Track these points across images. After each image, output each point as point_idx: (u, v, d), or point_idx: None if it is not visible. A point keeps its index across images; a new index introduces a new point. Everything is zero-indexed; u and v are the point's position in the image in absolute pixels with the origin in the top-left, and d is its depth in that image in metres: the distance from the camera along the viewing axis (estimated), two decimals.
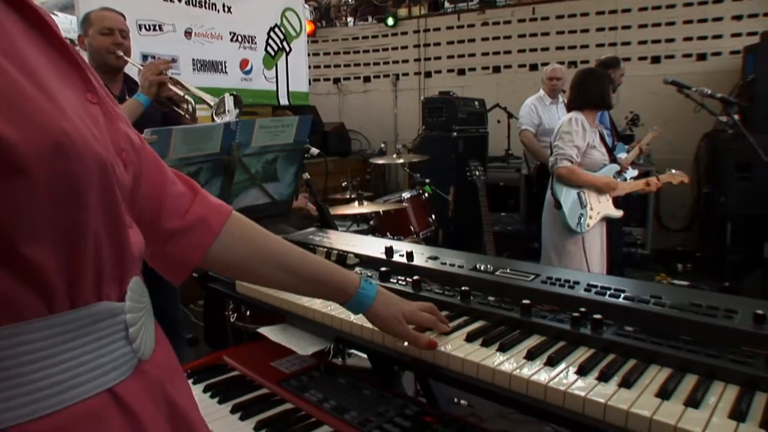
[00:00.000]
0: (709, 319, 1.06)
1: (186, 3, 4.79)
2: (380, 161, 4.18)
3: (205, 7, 4.98)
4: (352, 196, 3.74)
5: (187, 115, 2.31)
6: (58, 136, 0.55)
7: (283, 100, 5.82)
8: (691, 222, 6.08)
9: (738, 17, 5.71)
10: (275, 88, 5.79)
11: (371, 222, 3.98)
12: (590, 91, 3.27)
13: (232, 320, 2.29)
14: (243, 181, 1.88)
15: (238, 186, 1.87)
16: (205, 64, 5.02)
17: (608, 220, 3.37)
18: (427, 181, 4.14)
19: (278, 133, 1.85)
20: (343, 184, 4.11)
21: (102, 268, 0.63)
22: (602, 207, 3.31)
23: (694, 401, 0.87)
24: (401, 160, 4.07)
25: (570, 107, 3.37)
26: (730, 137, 4.38)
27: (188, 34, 4.83)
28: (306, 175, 2.16)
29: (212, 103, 2.20)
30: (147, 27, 4.44)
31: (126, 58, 2.44)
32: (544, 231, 3.51)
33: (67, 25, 4.12)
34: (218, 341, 3.30)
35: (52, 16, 0.67)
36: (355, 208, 3.52)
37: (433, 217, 4.01)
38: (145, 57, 4.32)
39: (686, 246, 6.11)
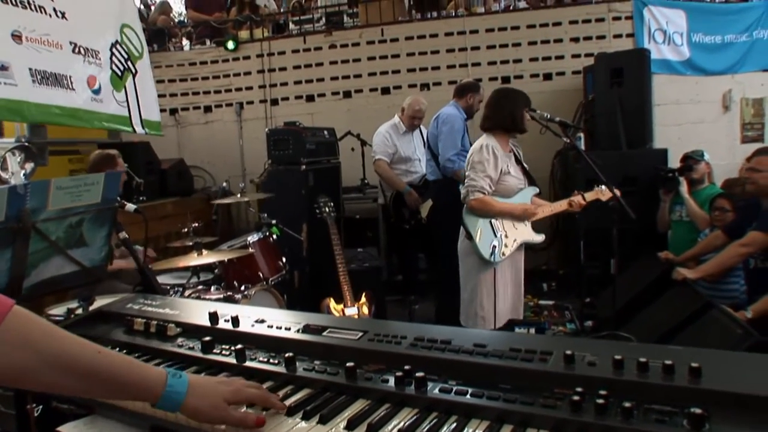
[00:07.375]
0: (525, 364, 1.18)
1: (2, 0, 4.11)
2: (224, 201, 4.11)
3: (30, 8, 4.35)
4: (192, 244, 3.65)
5: None
6: None
7: (139, 129, 5.36)
8: (553, 239, 6.59)
9: (576, 39, 6.38)
10: (128, 114, 5.29)
11: (216, 271, 3.90)
12: (502, 113, 3.40)
13: (36, 414, 2.11)
14: (42, 250, 1.77)
15: (36, 256, 1.76)
16: (48, 77, 4.41)
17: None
18: (274, 221, 4.13)
19: (81, 192, 1.77)
20: (184, 230, 4.00)
21: None
22: (519, 233, 3.38)
23: None
24: (246, 199, 4.04)
25: (482, 127, 3.50)
26: (575, 156, 4.83)
27: (17, 37, 4.19)
28: (123, 235, 2.09)
29: None
30: None
31: None
32: (459, 263, 3.57)
33: None
34: None
35: None
36: (195, 259, 3.43)
37: (284, 260, 4.01)
38: None
39: (549, 264, 6.62)
